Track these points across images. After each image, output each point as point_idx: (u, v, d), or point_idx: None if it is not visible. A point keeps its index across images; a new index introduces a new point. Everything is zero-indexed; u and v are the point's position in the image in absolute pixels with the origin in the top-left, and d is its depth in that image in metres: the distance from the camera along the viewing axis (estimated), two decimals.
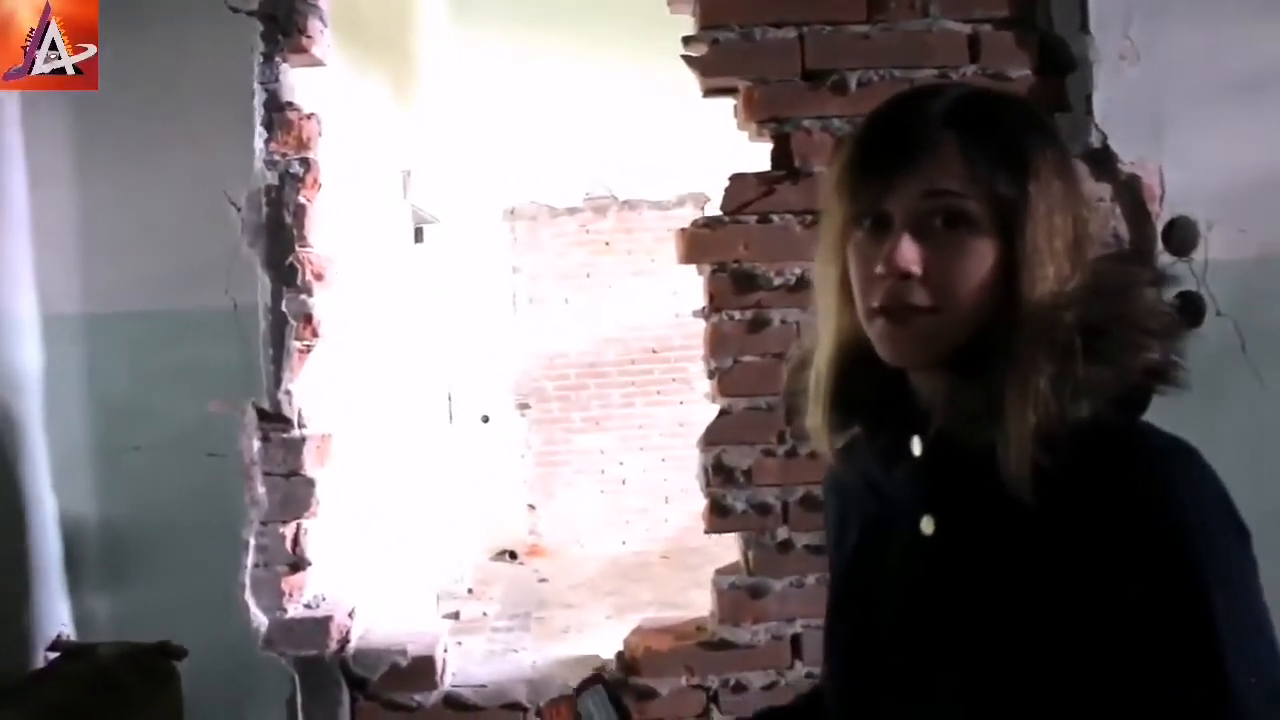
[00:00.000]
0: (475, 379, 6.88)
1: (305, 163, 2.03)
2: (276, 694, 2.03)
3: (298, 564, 2.05)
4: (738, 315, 2.09)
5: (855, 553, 0.99)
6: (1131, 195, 2.06)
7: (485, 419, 7.04)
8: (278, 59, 2.02)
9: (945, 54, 2.08)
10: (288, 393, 2.03)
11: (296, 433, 2.04)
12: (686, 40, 2.10)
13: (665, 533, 7.14)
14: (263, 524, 2.03)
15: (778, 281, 2.08)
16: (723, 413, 2.10)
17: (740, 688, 2.10)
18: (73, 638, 1.99)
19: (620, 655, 2.18)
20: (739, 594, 2.10)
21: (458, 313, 6.65)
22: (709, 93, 2.17)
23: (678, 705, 2.10)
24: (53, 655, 1.90)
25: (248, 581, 2.02)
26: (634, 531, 7.22)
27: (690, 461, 2.21)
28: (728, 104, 2.20)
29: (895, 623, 0.90)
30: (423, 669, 2.09)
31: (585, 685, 1.18)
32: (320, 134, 2.06)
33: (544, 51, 6.49)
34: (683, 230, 2.13)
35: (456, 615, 5.67)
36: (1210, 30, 2.09)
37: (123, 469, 2.01)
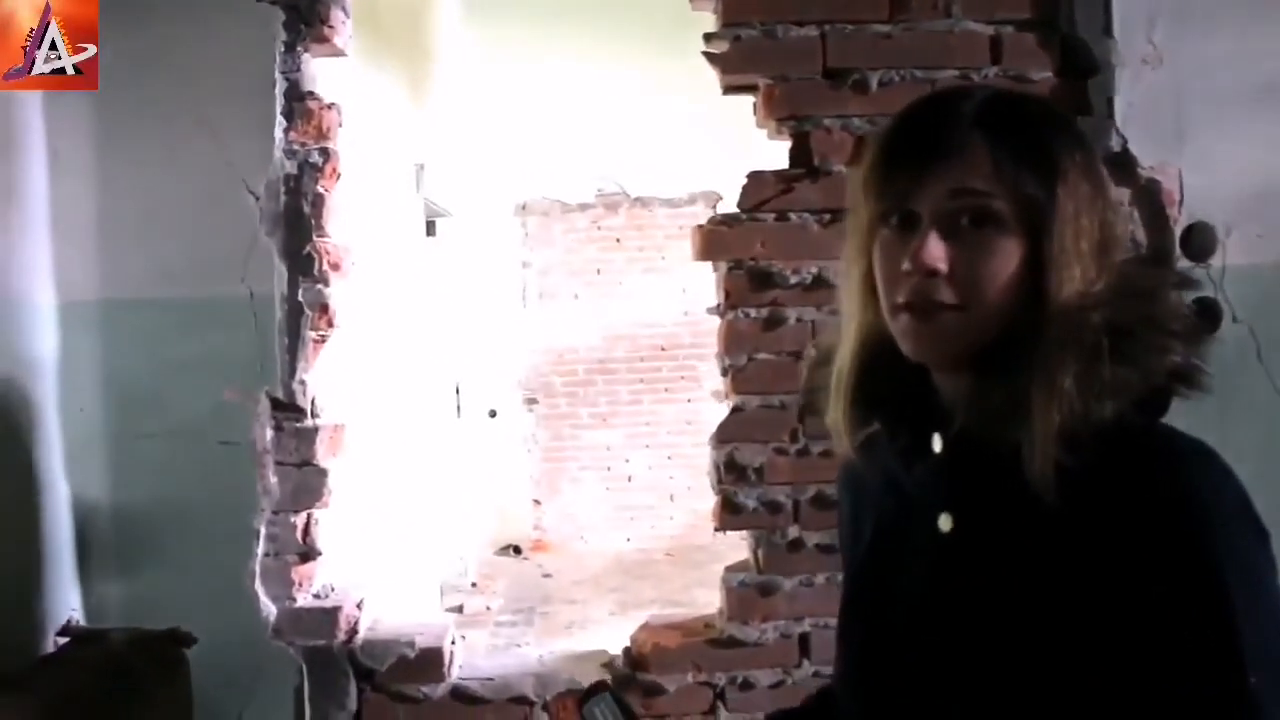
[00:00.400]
0: (483, 373, 6.88)
1: (324, 152, 2.03)
2: (285, 683, 2.04)
3: (308, 554, 2.06)
4: (753, 313, 2.08)
5: (871, 550, 0.99)
6: (1150, 199, 2.06)
7: (493, 413, 7.04)
8: (299, 48, 2.02)
9: (967, 55, 2.08)
10: (302, 382, 2.04)
11: (310, 422, 2.05)
12: (708, 37, 2.09)
13: (670, 530, 7.14)
14: (274, 513, 2.03)
15: (794, 280, 2.07)
16: (736, 410, 2.10)
17: (748, 685, 2.09)
18: (83, 623, 1.99)
19: (627, 651, 2.18)
20: (748, 592, 2.09)
21: (467, 307, 6.65)
22: (729, 90, 2.17)
23: (685, 702, 2.10)
24: (63, 640, 1.90)
25: (258, 570, 2.02)
26: (639, 528, 7.22)
27: (697, 459, 2.21)
28: (741, 102, 2.20)
29: (911, 620, 0.90)
30: (430, 661, 2.09)
31: (591, 692, 1.16)
32: (340, 124, 2.06)
33: (557, 48, 6.49)
34: (700, 227, 2.13)
35: (460, 609, 5.67)
36: (1232, 36, 2.08)
37: (136, 456, 2.02)
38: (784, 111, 2.08)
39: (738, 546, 2.19)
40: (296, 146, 2.02)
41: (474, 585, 6.20)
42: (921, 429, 0.91)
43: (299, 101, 2.03)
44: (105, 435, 2.02)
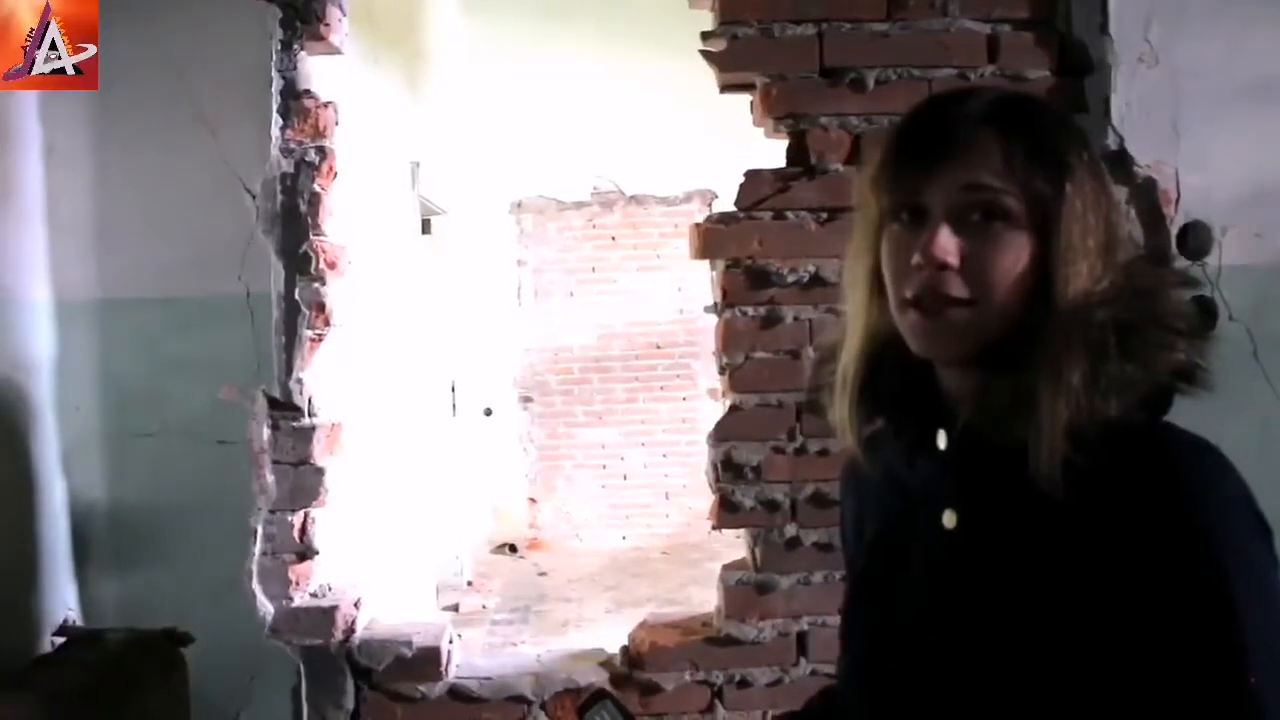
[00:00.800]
0: (479, 371, 6.87)
1: (321, 151, 2.03)
2: (282, 682, 2.04)
3: (305, 553, 2.05)
4: (750, 311, 2.08)
5: (874, 547, 0.99)
6: (1147, 198, 2.06)
7: (488, 412, 7.03)
8: (295, 46, 2.01)
9: (964, 54, 2.08)
10: (299, 381, 2.03)
11: (306, 421, 2.04)
12: (705, 35, 2.09)
13: (665, 528, 7.14)
14: (271, 512, 2.03)
15: (791, 278, 2.07)
16: (733, 408, 2.10)
17: (745, 684, 2.10)
18: (80, 623, 1.99)
19: (625, 650, 2.18)
20: (746, 590, 2.10)
21: (463, 305, 6.64)
22: (726, 88, 2.17)
23: (682, 700, 2.10)
24: (60, 640, 1.90)
25: (255, 569, 2.02)
26: (634, 527, 7.21)
27: (692, 458, 2.22)
28: (737, 100, 2.20)
29: (915, 617, 0.90)
30: (428, 660, 2.09)
31: (591, 699, 1.15)
32: (337, 122, 2.06)
33: (553, 46, 6.48)
34: (697, 225, 2.13)
35: (456, 608, 5.66)
36: (1228, 35, 2.08)
37: (133, 455, 2.01)
38: (781, 110, 2.08)
39: (734, 545, 2.19)
40: (293, 145, 2.02)
41: (470, 584, 6.18)
42: (926, 426, 0.91)
43: (295, 99, 2.02)
44: (101, 434, 2.01)
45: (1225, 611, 0.76)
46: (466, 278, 6.73)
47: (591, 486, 7.23)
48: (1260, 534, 0.81)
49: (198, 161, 1.99)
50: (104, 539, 2.02)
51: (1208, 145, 2.07)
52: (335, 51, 2.12)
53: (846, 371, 0.95)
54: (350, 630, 2.08)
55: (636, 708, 2.10)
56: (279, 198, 2.01)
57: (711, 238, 2.10)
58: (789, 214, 2.08)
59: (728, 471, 2.09)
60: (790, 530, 2.08)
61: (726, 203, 2.13)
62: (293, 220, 2.02)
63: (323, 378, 2.11)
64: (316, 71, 2.09)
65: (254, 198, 2.01)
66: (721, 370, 2.12)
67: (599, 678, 2.11)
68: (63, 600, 1.98)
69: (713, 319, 2.16)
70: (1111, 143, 2.06)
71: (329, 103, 2.05)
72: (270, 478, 2.02)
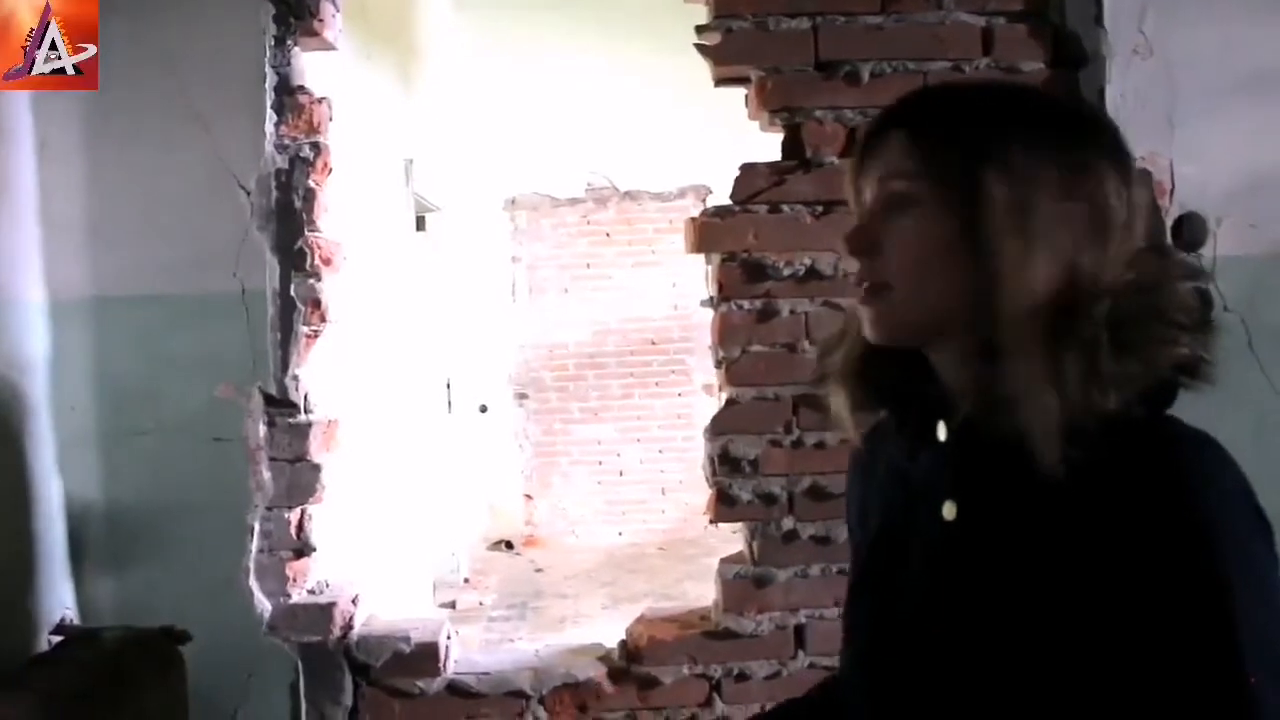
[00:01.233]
0: (474, 368, 6.86)
1: (316, 147, 2.02)
2: (280, 679, 2.03)
3: (302, 549, 2.05)
4: (747, 305, 2.08)
5: (877, 538, 0.99)
6: None
7: (483, 408, 7.02)
8: (289, 42, 2.01)
9: (958, 47, 2.08)
10: (295, 378, 2.03)
11: (303, 418, 2.04)
12: (700, 29, 2.09)
13: (662, 524, 7.14)
14: (268, 509, 2.02)
15: (787, 272, 2.07)
16: (730, 402, 2.10)
17: (743, 677, 2.10)
18: (77, 622, 1.98)
19: (623, 644, 2.18)
20: (743, 584, 2.10)
21: (457, 302, 6.64)
22: (721, 82, 2.17)
23: (681, 694, 2.10)
24: (57, 639, 1.89)
25: (252, 567, 2.02)
26: (630, 523, 7.21)
27: (688, 453, 2.22)
28: (730, 95, 2.20)
29: (915, 609, 0.90)
30: (426, 656, 2.09)
31: None
32: (331, 118, 2.05)
33: (547, 42, 6.47)
34: (693, 219, 2.13)
35: (453, 604, 5.66)
36: (1223, 26, 2.09)
37: (129, 453, 2.01)
38: (776, 103, 2.08)
39: (730, 540, 2.19)
40: (288, 141, 2.02)
41: (466, 581, 6.18)
42: (927, 418, 0.92)
43: (290, 95, 2.02)
44: (97, 433, 2.01)
45: (1222, 608, 0.76)
46: (461, 274, 6.73)
47: (587, 483, 7.23)
48: (1260, 530, 0.80)
49: (192, 157, 1.99)
50: (100, 537, 2.01)
51: (1203, 137, 2.07)
52: (329, 47, 2.11)
53: (847, 363, 0.95)
54: (348, 627, 2.08)
55: (635, 702, 2.10)
56: (274, 194, 2.01)
57: (707, 231, 2.10)
58: (784, 207, 2.08)
59: (725, 465, 2.09)
60: (788, 523, 2.09)
61: (720, 198, 2.13)
62: (288, 216, 2.01)
63: (319, 374, 2.10)
64: (311, 67, 2.08)
65: (249, 194, 2.00)
66: (718, 364, 2.12)
67: (597, 671, 2.12)
68: (59, 599, 1.98)
69: (708, 314, 2.16)
70: None
71: (323, 98, 2.05)
72: (267, 475, 2.02)
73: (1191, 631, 0.76)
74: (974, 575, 0.86)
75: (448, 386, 6.30)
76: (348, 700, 2.06)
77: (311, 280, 2.03)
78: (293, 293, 2.02)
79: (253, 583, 2.01)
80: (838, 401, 0.97)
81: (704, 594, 2.22)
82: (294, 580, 2.04)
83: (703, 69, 2.15)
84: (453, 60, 6.24)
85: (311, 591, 2.08)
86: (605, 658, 2.17)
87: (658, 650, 2.11)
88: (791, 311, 2.08)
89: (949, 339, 0.89)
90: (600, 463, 7.23)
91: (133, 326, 2.02)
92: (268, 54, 2.00)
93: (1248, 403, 2.06)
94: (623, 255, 7.18)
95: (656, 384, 7.19)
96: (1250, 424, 2.05)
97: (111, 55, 1.89)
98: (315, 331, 2.06)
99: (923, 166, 0.87)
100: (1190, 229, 2.08)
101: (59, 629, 1.92)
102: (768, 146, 2.15)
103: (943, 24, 2.08)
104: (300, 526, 2.05)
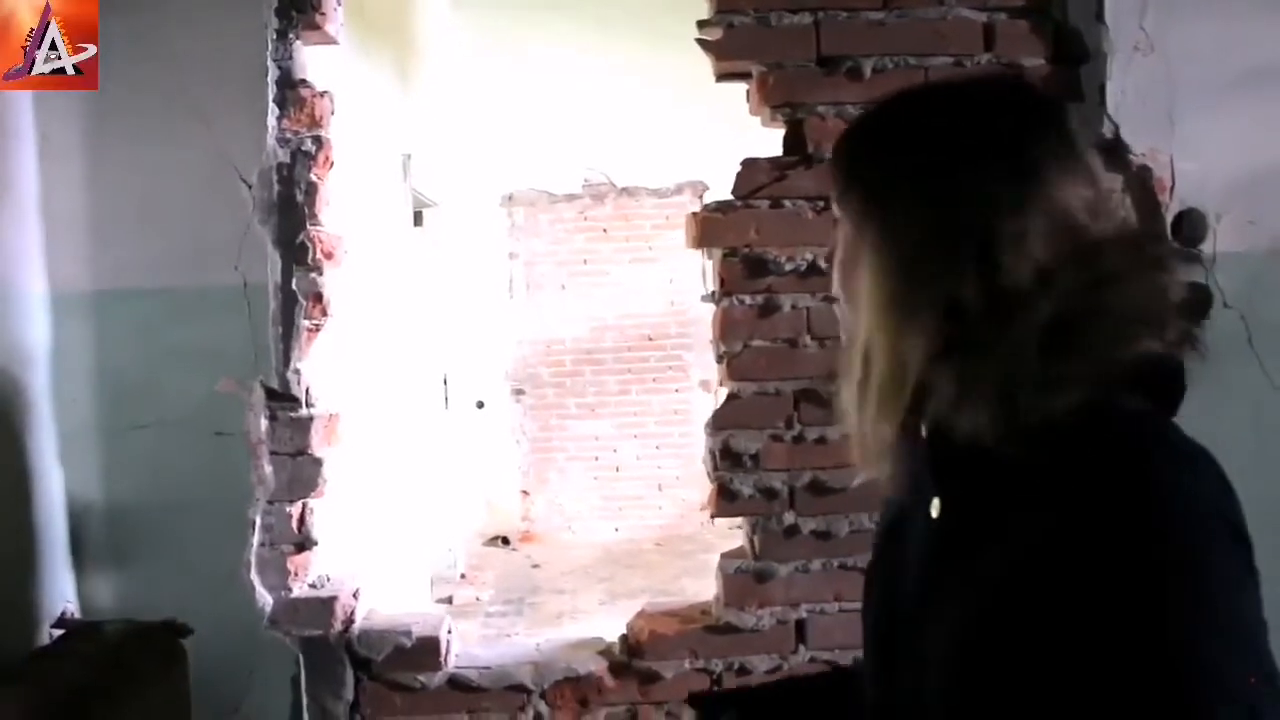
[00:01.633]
0: (471, 364, 6.87)
1: (317, 141, 2.02)
2: (281, 673, 2.03)
3: (303, 544, 2.05)
4: (748, 300, 2.09)
5: (885, 534, 1.01)
6: (1142, 186, 2.07)
7: (480, 404, 7.03)
8: (291, 35, 2.00)
9: (960, 42, 2.08)
10: (296, 371, 2.03)
11: (304, 412, 2.04)
12: (701, 24, 2.09)
13: (658, 520, 7.15)
14: (269, 503, 2.02)
15: (789, 267, 2.08)
16: (731, 397, 2.11)
17: (744, 671, 2.10)
18: (78, 615, 1.98)
19: (624, 638, 2.18)
20: (744, 578, 2.10)
21: (455, 297, 6.63)
22: (722, 77, 2.17)
23: (682, 688, 2.10)
24: (58, 633, 1.89)
25: (253, 560, 2.01)
26: (627, 519, 7.22)
27: (684, 450, 2.23)
28: (728, 91, 2.20)
29: (909, 605, 0.91)
30: (427, 650, 2.09)
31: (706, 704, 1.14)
32: (333, 112, 2.05)
33: (544, 38, 6.47)
34: (694, 215, 2.13)
35: (450, 600, 5.67)
36: (1223, 23, 2.09)
37: (130, 447, 2.00)
38: (778, 99, 2.09)
39: (727, 536, 2.19)
40: (289, 135, 2.01)
41: (463, 576, 6.19)
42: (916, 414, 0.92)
43: (291, 89, 2.01)
44: (98, 426, 2.00)
45: (1161, 628, 0.71)
46: (458, 270, 6.73)
47: (584, 479, 7.24)
48: (1230, 550, 0.75)
49: (193, 152, 1.98)
50: (101, 531, 2.01)
51: (1203, 132, 2.08)
52: (331, 41, 2.11)
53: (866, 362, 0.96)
54: (349, 621, 2.08)
55: (636, 696, 2.11)
56: (275, 188, 2.00)
57: (709, 226, 2.10)
58: (786, 202, 2.08)
59: (726, 460, 2.10)
60: (788, 518, 2.09)
61: (718, 194, 2.14)
62: (289, 210, 2.01)
63: (320, 368, 2.10)
64: (312, 61, 2.08)
65: (250, 188, 2.00)
66: (719, 359, 2.13)
67: (598, 666, 2.12)
68: (61, 593, 1.98)
69: (705, 310, 2.16)
70: (1107, 131, 2.06)
71: (325, 92, 2.05)
72: (268, 468, 2.02)
73: (1135, 648, 0.71)
74: (953, 573, 0.86)
75: (445, 382, 6.30)
76: (349, 694, 2.06)
77: (313, 274, 2.03)
78: (294, 286, 2.02)
79: (254, 576, 2.01)
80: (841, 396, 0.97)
81: (701, 590, 2.22)
82: (295, 574, 2.04)
83: (700, 65, 2.15)
84: (450, 56, 6.24)
85: (312, 586, 2.08)
86: (606, 652, 2.18)
87: (659, 644, 2.11)
88: (793, 306, 2.08)
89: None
90: (597, 458, 7.24)
91: (134, 320, 2.01)
92: (269, 48, 1.99)
93: (1246, 398, 2.06)
94: (620, 251, 7.19)
95: (653, 380, 7.20)
96: (1249, 419, 2.05)
97: (112, 53, 1.88)
98: (316, 325, 2.06)
99: (843, 193, 0.94)
100: (1190, 225, 2.08)
101: (60, 622, 1.92)
102: (764, 143, 2.16)
103: (944, 19, 2.08)
104: (301, 520, 2.05)
